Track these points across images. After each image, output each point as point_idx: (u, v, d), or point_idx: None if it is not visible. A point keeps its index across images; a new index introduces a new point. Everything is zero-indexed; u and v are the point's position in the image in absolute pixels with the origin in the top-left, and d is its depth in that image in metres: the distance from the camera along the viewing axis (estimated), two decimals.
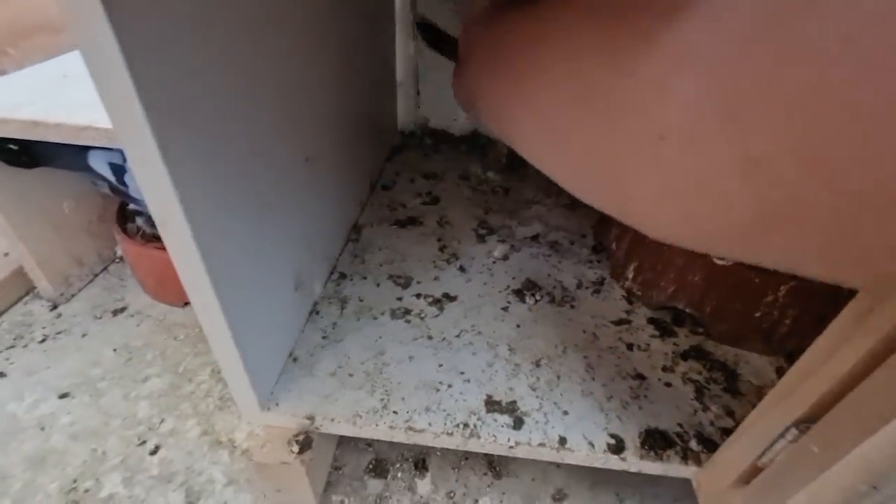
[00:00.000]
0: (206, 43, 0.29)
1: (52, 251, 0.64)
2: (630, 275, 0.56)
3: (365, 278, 0.58)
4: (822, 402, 0.28)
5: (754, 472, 0.33)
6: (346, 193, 0.63)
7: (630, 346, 0.50)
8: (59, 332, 0.63)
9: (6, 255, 0.67)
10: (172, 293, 0.67)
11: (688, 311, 0.51)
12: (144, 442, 0.51)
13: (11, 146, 0.55)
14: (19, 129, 0.48)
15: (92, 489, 0.47)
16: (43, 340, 0.62)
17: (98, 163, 0.60)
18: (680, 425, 0.42)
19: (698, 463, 0.40)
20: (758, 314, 0.46)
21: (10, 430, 0.52)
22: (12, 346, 0.61)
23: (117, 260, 0.74)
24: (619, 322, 0.53)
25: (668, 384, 0.46)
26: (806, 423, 0.29)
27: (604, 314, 0.54)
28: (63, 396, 0.55)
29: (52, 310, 0.66)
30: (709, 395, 0.45)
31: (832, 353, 0.27)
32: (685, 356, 0.49)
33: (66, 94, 0.53)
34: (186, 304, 0.68)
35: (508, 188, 0.77)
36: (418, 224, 0.68)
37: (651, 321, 0.53)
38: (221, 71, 0.31)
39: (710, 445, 0.41)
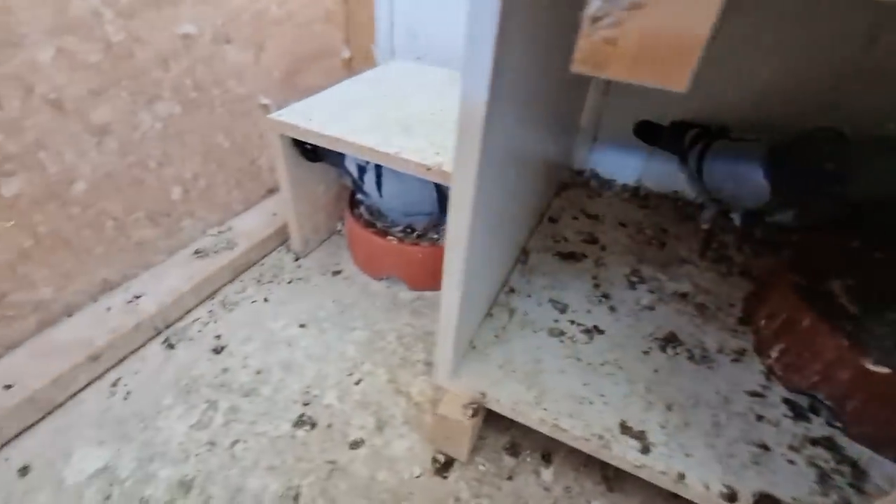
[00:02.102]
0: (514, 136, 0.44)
1: (305, 219, 0.89)
2: (774, 354, 0.60)
3: (529, 296, 0.71)
4: None
5: None
6: (524, 222, 0.77)
7: (760, 418, 0.56)
8: (299, 279, 0.87)
9: (274, 214, 0.93)
10: (374, 268, 0.88)
11: (827, 402, 0.55)
12: (351, 374, 0.71)
13: (307, 146, 0.79)
14: (368, 154, 0.69)
15: (318, 396, 0.68)
16: (290, 282, 0.86)
17: (350, 163, 0.82)
18: (795, 499, 0.48)
19: None
20: None
21: (270, 340, 0.76)
22: (271, 281, 0.86)
23: (337, 232, 0.98)
24: (753, 394, 0.58)
25: (792, 462, 0.51)
26: None
27: (739, 382, 0.60)
28: (302, 326, 0.78)
29: (295, 261, 0.91)
30: (831, 484, 0.49)
31: None
32: (815, 443, 0.53)
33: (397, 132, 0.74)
34: (381, 278, 0.88)
35: (664, 242, 0.84)
36: (578, 259, 0.79)
37: (786, 401, 0.58)
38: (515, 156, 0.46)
39: None
